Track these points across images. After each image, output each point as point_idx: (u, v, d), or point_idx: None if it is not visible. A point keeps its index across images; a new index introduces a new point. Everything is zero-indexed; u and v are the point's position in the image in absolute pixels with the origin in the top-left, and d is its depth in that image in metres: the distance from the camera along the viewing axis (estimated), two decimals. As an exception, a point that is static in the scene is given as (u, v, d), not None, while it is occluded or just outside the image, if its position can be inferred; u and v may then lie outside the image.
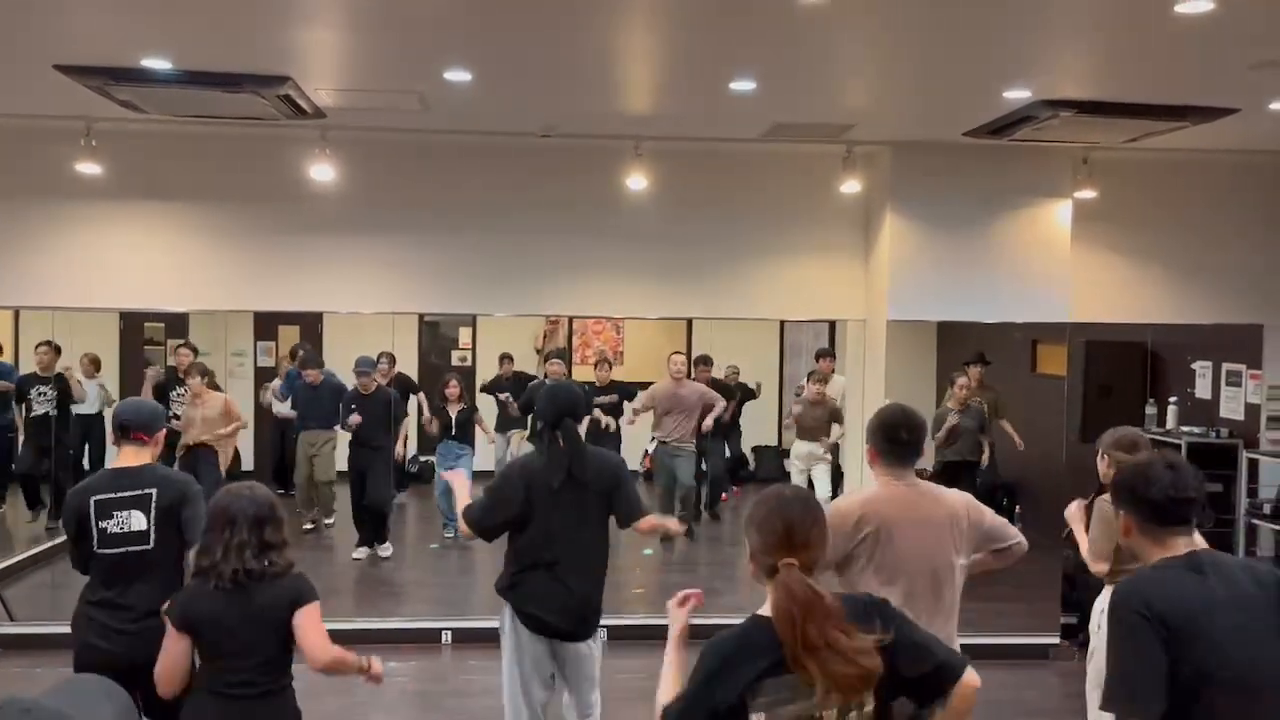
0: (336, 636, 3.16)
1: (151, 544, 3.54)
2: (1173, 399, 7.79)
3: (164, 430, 3.79)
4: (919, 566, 3.10)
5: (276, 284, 6.47)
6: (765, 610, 2.10)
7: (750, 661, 2.04)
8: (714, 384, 8.89)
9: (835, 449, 8.03)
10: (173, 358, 9.16)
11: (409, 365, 10.32)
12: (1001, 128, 5.65)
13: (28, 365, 8.62)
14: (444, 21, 4.04)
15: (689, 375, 8.77)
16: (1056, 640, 6.51)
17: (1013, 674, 6.09)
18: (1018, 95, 5.08)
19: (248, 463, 9.61)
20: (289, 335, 9.86)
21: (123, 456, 3.64)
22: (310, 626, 3.02)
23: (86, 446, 9.03)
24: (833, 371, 8.35)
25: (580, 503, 3.84)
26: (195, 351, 8.55)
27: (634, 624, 6.13)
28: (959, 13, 3.87)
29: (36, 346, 8.42)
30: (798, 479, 8.14)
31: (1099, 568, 4.00)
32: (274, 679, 3.02)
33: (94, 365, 9.21)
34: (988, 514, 3.29)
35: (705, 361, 9.17)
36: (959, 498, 3.28)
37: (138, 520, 3.54)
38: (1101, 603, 4.00)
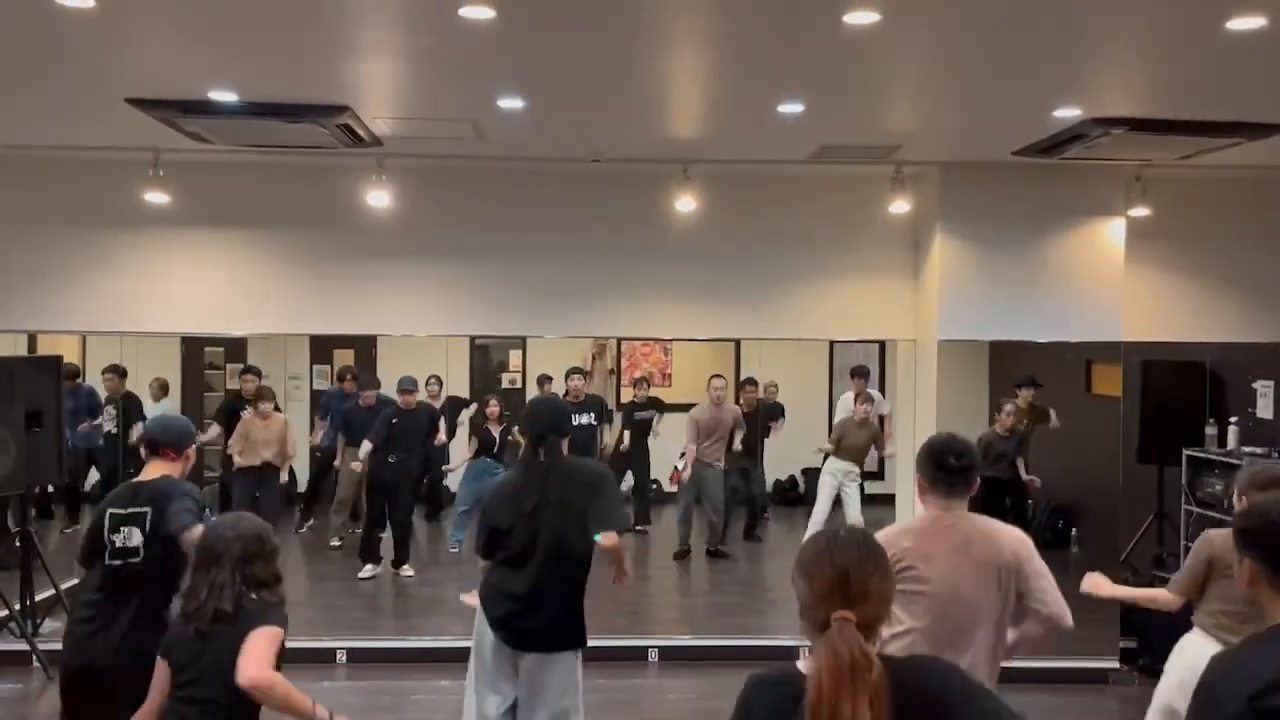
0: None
1: (140, 559, 3.64)
2: (1233, 419, 7.63)
3: (194, 447, 3.91)
4: (949, 603, 2.98)
5: (332, 308, 6.62)
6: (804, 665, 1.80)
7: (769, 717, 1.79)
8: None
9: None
10: (235, 381, 9.43)
11: (460, 387, 10.48)
12: (1051, 146, 5.62)
13: (95, 387, 8.96)
14: (498, 51, 4.14)
15: (736, 399, 8.84)
16: (1116, 665, 6.39)
17: (1070, 699, 5.99)
18: (1068, 114, 5.06)
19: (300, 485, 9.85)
20: (344, 359, 10.08)
21: (148, 470, 3.78)
22: (253, 645, 2.82)
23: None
24: (868, 392, 8.43)
25: (558, 516, 3.80)
26: (259, 375, 8.81)
27: (684, 645, 6.13)
28: (1008, 33, 3.88)
29: (103, 371, 8.73)
30: (827, 495, 8.17)
31: (1172, 601, 3.75)
32: None
33: (163, 389, 9.56)
34: (1036, 563, 3.13)
35: (751, 382, 9.24)
36: (1012, 535, 3.13)
37: (135, 536, 3.66)
38: (1185, 642, 3.81)
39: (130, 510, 3.68)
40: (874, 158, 6.15)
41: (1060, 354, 7.91)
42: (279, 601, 2.93)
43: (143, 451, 3.88)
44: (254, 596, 2.88)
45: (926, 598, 2.99)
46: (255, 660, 2.77)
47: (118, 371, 8.82)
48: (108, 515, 3.67)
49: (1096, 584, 3.89)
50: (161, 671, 2.91)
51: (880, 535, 3.18)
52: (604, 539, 3.79)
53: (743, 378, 9.43)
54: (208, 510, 9.92)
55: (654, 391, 10.25)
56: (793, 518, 8.85)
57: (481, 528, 3.97)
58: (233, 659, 2.77)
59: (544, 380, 9.74)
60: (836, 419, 8.82)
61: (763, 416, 9.24)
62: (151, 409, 9.33)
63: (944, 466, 3.10)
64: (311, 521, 9.47)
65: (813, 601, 1.79)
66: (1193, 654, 3.61)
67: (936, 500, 3.11)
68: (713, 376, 8.73)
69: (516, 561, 3.83)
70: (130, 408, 8.54)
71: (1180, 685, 3.56)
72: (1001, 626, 3.10)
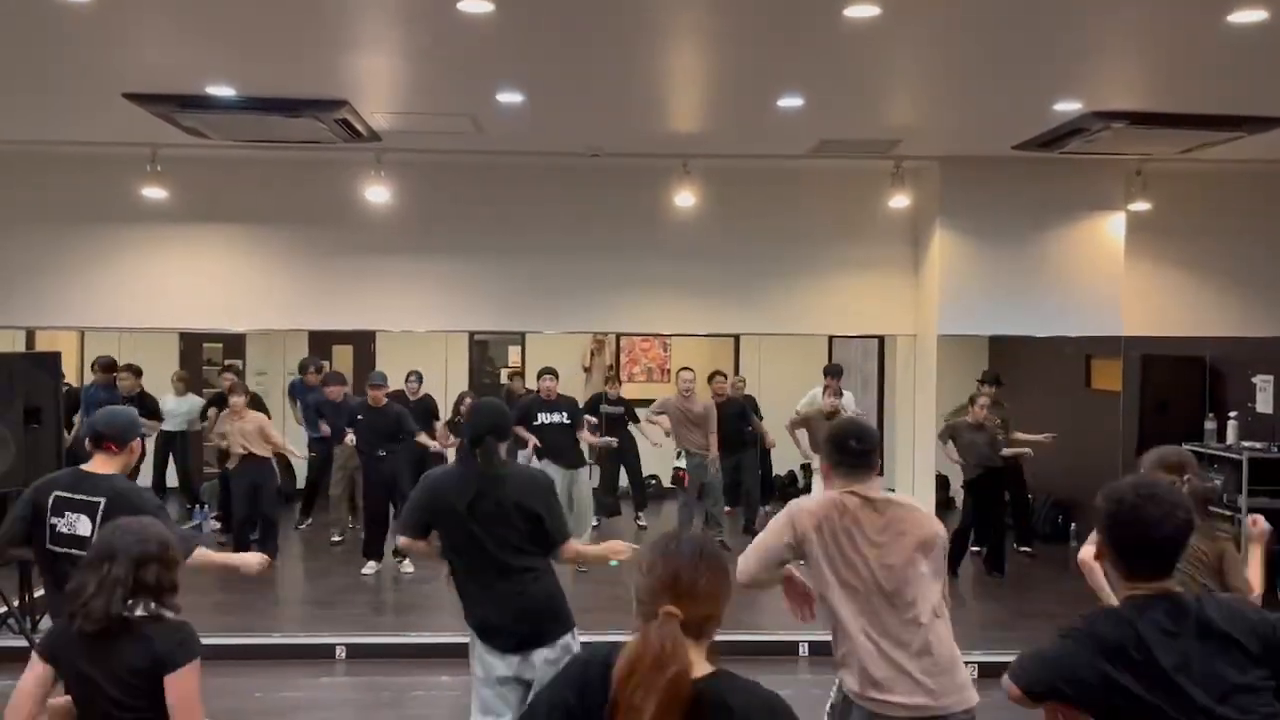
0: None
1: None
2: (1233, 414, 7.64)
3: (137, 440, 3.86)
4: (868, 570, 3.02)
5: (331, 304, 6.61)
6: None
7: (575, 691, 1.87)
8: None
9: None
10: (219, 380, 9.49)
11: (459, 383, 10.47)
12: (1052, 140, 5.61)
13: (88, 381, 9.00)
14: (497, 46, 4.13)
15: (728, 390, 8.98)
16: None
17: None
18: (1068, 107, 5.05)
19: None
20: (343, 354, 10.07)
21: (93, 463, 3.73)
22: (180, 697, 2.57)
23: (170, 461, 9.44)
24: (839, 389, 8.68)
25: (494, 520, 3.72)
26: (237, 373, 8.89)
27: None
28: (1007, 26, 3.87)
29: (119, 369, 8.76)
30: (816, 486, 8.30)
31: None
32: None
33: (184, 384, 9.60)
34: (939, 552, 3.11)
35: (720, 375, 9.36)
36: (927, 521, 3.14)
37: (83, 525, 3.60)
38: None
39: (80, 497, 3.59)
40: (874, 153, 6.14)
41: (1060, 349, 7.93)
42: (182, 622, 2.68)
43: (87, 444, 3.82)
44: (151, 605, 2.65)
45: (841, 564, 3.06)
46: (191, 716, 2.59)
47: (133, 370, 8.84)
48: (53, 497, 3.60)
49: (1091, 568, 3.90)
50: (42, 674, 2.65)
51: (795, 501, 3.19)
52: (565, 551, 3.83)
53: (710, 371, 9.47)
54: (203, 505, 9.84)
55: (652, 386, 10.27)
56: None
57: (405, 516, 3.90)
58: (133, 677, 2.58)
59: (514, 375, 9.83)
60: (800, 405, 8.89)
61: (733, 410, 9.26)
62: (174, 404, 9.38)
63: (845, 449, 3.15)
64: (310, 520, 9.47)
65: (646, 596, 1.86)
66: None
67: (842, 479, 3.15)
68: (681, 369, 8.84)
69: (473, 567, 3.80)
70: (146, 406, 8.54)
71: None
72: (930, 591, 3.08)
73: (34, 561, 3.75)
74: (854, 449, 3.14)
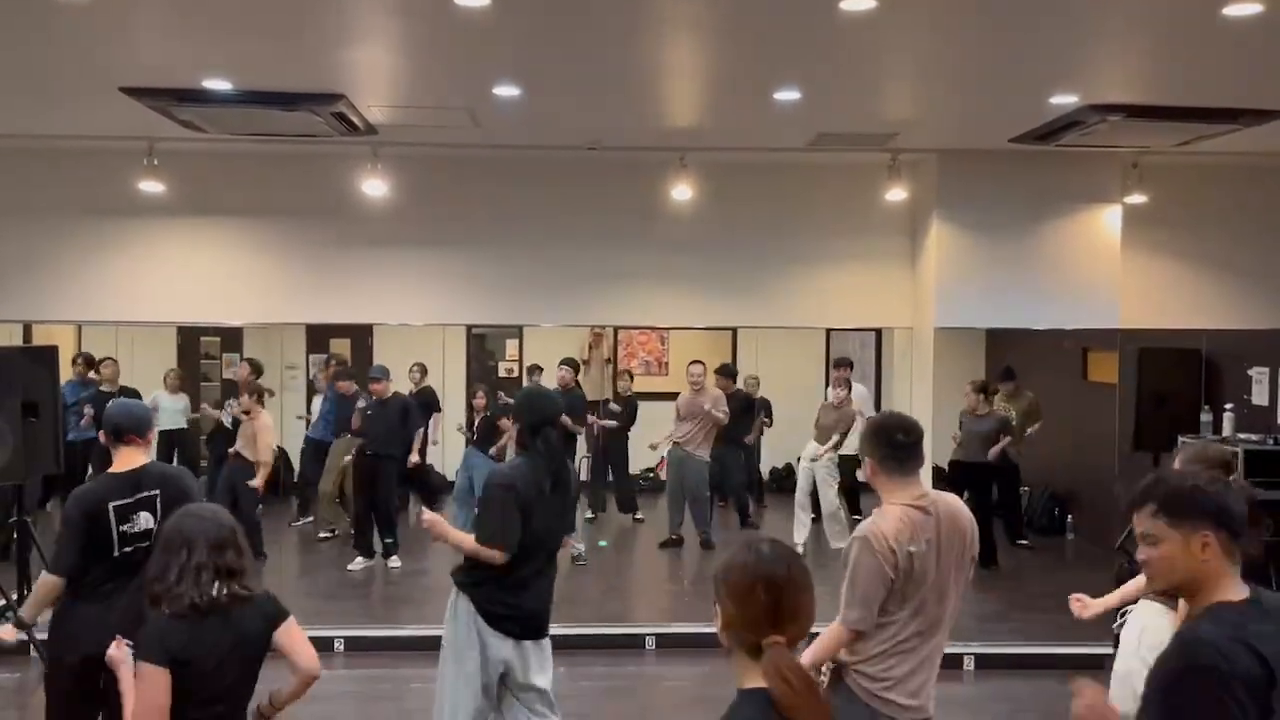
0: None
1: (150, 541, 3.56)
2: (1229, 406, 7.65)
3: (154, 430, 3.91)
4: (935, 583, 2.95)
5: (328, 297, 6.61)
6: (751, 683, 1.78)
7: None
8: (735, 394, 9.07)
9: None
10: (229, 372, 9.42)
11: (457, 376, 10.48)
12: (1048, 133, 5.62)
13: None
14: (494, 39, 4.13)
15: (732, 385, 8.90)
16: (1111, 650, 6.41)
17: (1067, 684, 6.01)
18: (1065, 100, 5.05)
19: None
20: (340, 348, 10.06)
21: (122, 458, 3.73)
22: (301, 638, 2.86)
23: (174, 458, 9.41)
24: (849, 380, 8.53)
25: (558, 509, 3.83)
26: (258, 370, 8.68)
27: (680, 632, 6.15)
28: (1004, 20, 3.87)
29: (99, 363, 8.68)
30: (804, 478, 8.28)
31: None
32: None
33: (179, 381, 9.53)
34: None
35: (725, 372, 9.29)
36: (966, 513, 3.10)
37: (144, 519, 3.66)
38: (1140, 607, 3.73)
39: (139, 496, 3.68)
40: (871, 145, 6.14)
41: (1057, 342, 7.95)
42: (264, 590, 2.84)
43: (102, 438, 3.81)
44: (235, 586, 2.72)
45: (915, 584, 2.93)
46: (314, 653, 2.87)
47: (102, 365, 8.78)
48: (112, 509, 3.64)
49: (1084, 604, 3.77)
50: (166, 682, 2.62)
51: (870, 530, 2.95)
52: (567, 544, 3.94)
53: (718, 365, 9.47)
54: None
55: (650, 380, 10.27)
56: (788, 506, 8.85)
57: (510, 518, 3.70)
58: (254, 642, 2.75)
59: (534, 370, 9.79)
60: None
61: (739, 405, 9.26)
62: (169, 401, 9.35)
63: (894, 444, 3.02)
64: (310, 518, 9.47)
65: (744, 624, 1.78)
66: (1144, 616, 3.62)
67: (891, 477, 3.01)
68: (691, 362, 8.80)
69: (530, 556, 3.79)
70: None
71: (1136, 647, 3.53)
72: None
73: (84, 570, 3.67)
74: (901, 442, 3.02)
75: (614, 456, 9.43)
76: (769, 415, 9.76)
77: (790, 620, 1.76)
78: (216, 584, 2.69)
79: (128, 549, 3.66)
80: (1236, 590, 1.98)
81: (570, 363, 8.54)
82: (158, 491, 3.69)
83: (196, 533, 2.71)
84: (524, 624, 3.82)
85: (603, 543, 7.49)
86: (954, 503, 3.10)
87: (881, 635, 2.92)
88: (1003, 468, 8.04)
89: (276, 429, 8.45)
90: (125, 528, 3.65)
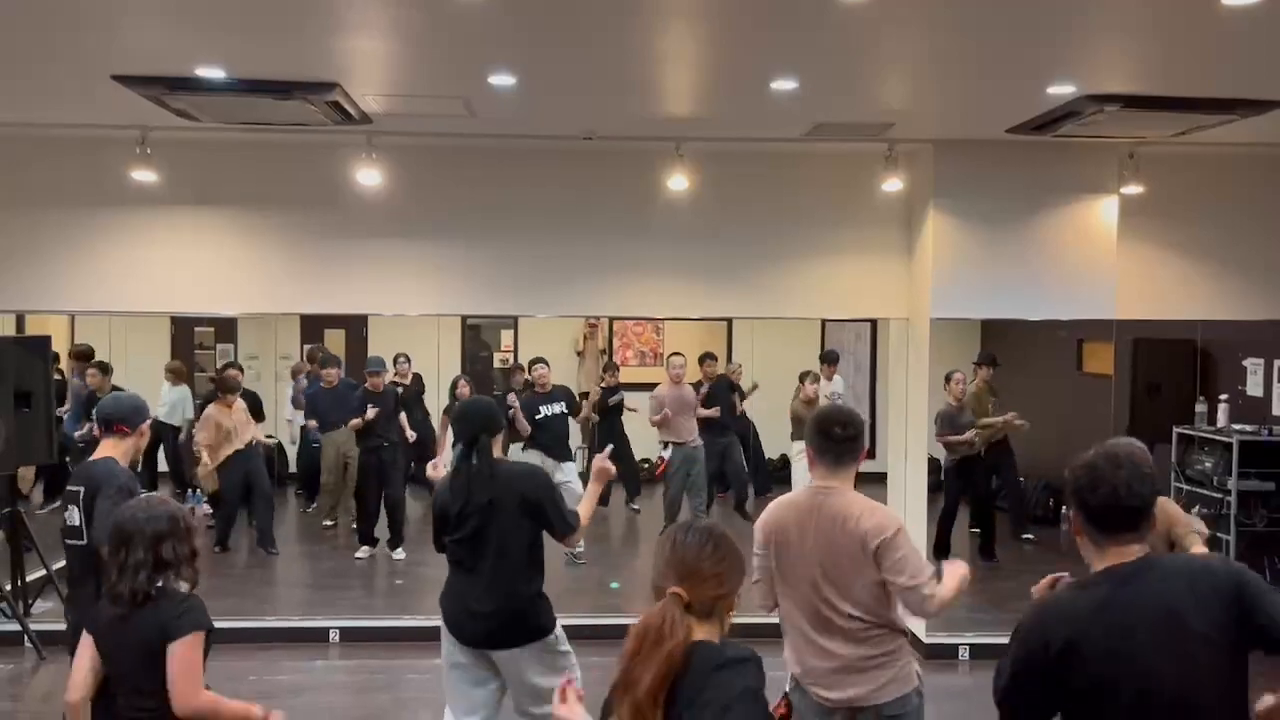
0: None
1: (85, 540, 3.59)
2: (1223, 397, 7.68)
3: (147, 422, 3.86)
4: (805, 576, 3.04)
5: (323, 288, 6.58)
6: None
7: None
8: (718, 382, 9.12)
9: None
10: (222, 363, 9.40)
11: (452, 367, 10.46)
12: (1045, 124, 5.60)
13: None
14: (489, 27, 4.10)
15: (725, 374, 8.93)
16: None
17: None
18: (1062, 90, 5.04)
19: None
20: (335, 338, 10.04)
21: (100, 449, 3.73)
22: (177, 664, 2.69)
23: (160, 453, 9.38)
24: (832, 375, 8.65)
25: (490, 515, 3.80)
26: (241, 370, 8.83)
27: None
28: (1001, 9, 3.85)
29: (88, 366, 8.68)
30: (797, 471, 8.37)
31: None
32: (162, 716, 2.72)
33: (177, 374, 9.52)
34: (903, 548, 3.03)
35: (710, 357, 9.33)
36: (879, 518, 3.06)
37: (73, 515, 3.64)
38: None
39: (72, 489, 3.65)
40: (867, 135, 6.13)
41: (1052, 332, 7.95)
42: (192, 587, 2.84)
43: (96, 430, 3.81)
44: (170, 578, 2.79)
45: (786, 569, 3.11)
46: (184, 689, 2.69)
47: (103, 368, 8.77)
48: (65, 492, 3.69)
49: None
50: (88, 647, 2.81)
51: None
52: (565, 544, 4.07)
53: (701, 353, 9.47)
54: (195, 491, 9.82)
55: (645, 370, 10.24)
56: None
57: (434, 528, 4.04)
58: (142, 646, 2.73)
59: (537, 362, 9.77)
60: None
61: (722, 392, 9.28)
62: (168, 394, 9.33)
63: (829, 436, 3.12)
64: (315, 505, 9.46)
65: (656, 575, 2.04)
66: None
67: (823, 468, 3.14)
68: (672, 354, 8.82)
69: (467, 564, 3.86)
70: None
71: None
72: (869, 600, 3.06)
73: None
74: (838, 435, 3.11)
75: (612, 439, 9.47)
76: (740, 395, 9.79)
77: (693, 579, 1.99)
78: (154, 577, 2.74)
79: (67, 541, 3.68)
80: (1106, 565, 2.23)
81: (542, 360, 8.40)
82: (81, 489, 3.62)
83: (133, 529, 2.76)
84: (456, 627, 3.89)
85: (614, 584, 7.53)
86: (850, 504, 3.10)
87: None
88: (1000, 453, 8.08)
89: (270, 418, 8.47)
90: (65, 514, 3.67)
